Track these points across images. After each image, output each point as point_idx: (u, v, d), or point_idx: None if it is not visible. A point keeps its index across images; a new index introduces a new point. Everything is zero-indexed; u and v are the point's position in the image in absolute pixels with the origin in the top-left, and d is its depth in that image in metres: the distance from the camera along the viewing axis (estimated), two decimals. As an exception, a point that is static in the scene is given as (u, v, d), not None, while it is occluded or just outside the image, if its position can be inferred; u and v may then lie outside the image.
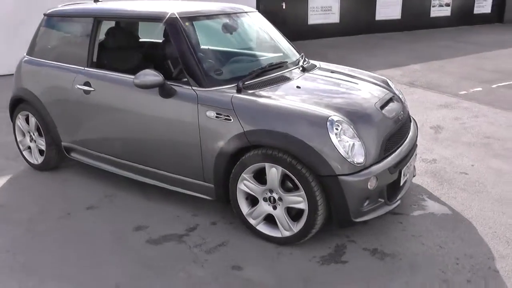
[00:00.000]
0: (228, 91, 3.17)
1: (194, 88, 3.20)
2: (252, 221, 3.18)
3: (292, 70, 3.67)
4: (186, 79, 3.30)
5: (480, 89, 7.65)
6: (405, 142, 3.37)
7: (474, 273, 2.95)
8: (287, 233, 3.08)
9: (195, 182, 3.36)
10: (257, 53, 3.85)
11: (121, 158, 3.68)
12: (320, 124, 2.87)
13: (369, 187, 2.94)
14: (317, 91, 3.36)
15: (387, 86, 3.88)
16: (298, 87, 3.37)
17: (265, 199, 3.09)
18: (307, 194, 2.89)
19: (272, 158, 2.92)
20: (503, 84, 7.99)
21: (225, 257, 3.03)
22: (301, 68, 3.77)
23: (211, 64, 3.40)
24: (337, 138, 2.84)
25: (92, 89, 3.64)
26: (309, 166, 2.83)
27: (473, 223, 3.53)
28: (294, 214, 3.09)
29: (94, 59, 3.75)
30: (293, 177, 2.90)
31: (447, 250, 3.17)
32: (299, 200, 2.95)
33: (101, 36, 3.86)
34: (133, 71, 4.01)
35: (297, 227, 3.04)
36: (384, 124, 3.18)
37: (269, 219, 3.16)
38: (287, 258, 3.02)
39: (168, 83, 3.24)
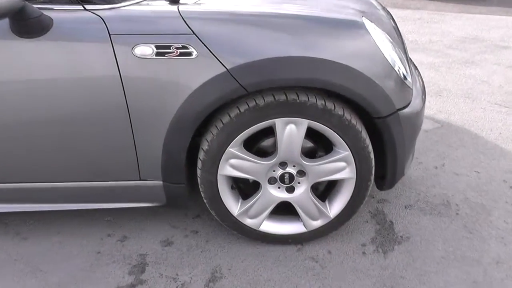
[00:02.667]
0: (159, 5, 1.66)
1: (92, 9, 1.57)
2: (249, 222, 1.86)
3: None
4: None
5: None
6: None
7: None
8: (315, 224, 1.86)
9: (121, 185, 1.81)
10: None
11: None
12: (361, 32, 1.64)
13: (423, 118, 1.90)
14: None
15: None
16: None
17: (271, 181, 1.78)
18: (356, 152, 1.69)
19: (289, 107, 1.60)
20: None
21: (240, 301, 1.69)
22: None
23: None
24: (387, 51, 1.68)
25: None
26: (363, 105, 1.62)
27: (464, 126, 2.84)
28: (320, 193, 1.90)
29: None
30: (329, 131, 1.65)
31: (483, 173, 2.40)
32: (339, 167, 1.73)
33: None
34: None
35: (333, 210, 1.84)
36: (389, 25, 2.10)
37: (273, 211, 1.88)
38: (335, 265, 1.83)
39: (34, 5, 1.54)
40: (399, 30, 2.16)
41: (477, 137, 2.74)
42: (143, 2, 1.65)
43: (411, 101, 1.78)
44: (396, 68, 1.69)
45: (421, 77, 2.19)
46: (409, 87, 1.76)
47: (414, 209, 2.13)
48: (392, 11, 5.64)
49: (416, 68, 2.26)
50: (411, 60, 2.34)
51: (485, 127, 2.85)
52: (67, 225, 2.09)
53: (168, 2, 1.66)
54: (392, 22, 2.13)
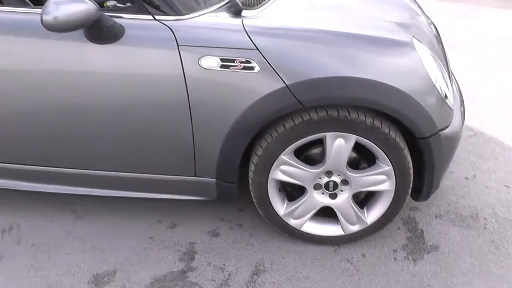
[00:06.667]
0: (223, 17, 1.77)
1: (162, 19, 1.70)
2: (293, 222, 2.01)
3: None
4: (124, 4, 1.79)
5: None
6: None
7: None
8: (353, 228, 2.01)
9: (176, 179, 1.97)
10: None
11: (31, 164, 2.03)
12: (412, 55, 1.74)
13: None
14: (334, 6, 2.13)
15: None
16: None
17: (317, 187, 1.92)
18: (398, 168, 1.82)
19: (340, 123, 1.72)
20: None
21: (280, 295, 1.86)
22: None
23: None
24: (432, 72, 1.78)
25: None
26: (408, 126, 1.74)
27: (497, 137, 2.90)
28: (359, 201, 2.04)
29: None
30: (374, 147, 1.78)
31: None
32: (380, 180, 1.86)
33: None
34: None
35: (370, 217, 1.98)
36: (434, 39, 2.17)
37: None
38: (369, 269, 1.98)
39: (107, 14, 1.67)
40: (440, 37, 2.24)
41: (509, 150, 2.81)
42: (208, 14, 1.76)
43: (451, 121, 1.88)
44: (439, 89, 1.79)
45: (456, 82, 2.28)
46: (450, 108, 1.86)
47: (444, 219, 2.25)
48: (430, 3, 5.61)
49: (452, 73, 2.32)
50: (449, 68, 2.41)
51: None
52: (118, 209, 2.27)
53: (230, 15, 1.77)
54: (433, 29, 2.21)
